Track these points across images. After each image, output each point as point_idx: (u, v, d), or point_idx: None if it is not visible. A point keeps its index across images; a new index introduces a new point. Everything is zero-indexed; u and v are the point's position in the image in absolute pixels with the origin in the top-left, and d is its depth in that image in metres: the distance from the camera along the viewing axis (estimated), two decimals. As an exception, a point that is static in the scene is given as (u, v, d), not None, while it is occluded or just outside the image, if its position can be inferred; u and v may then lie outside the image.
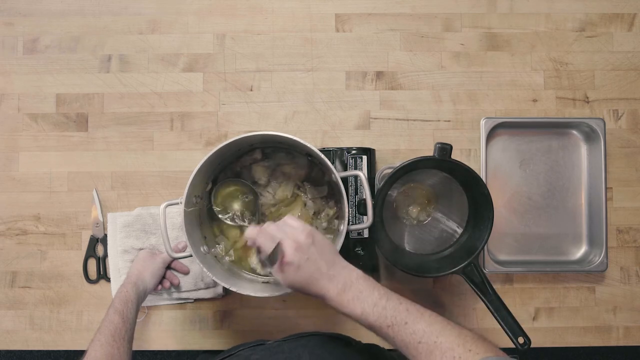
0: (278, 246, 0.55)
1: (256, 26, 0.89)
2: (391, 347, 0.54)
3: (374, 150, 0.83)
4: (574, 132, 0.88)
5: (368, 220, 0.68)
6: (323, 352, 0.62)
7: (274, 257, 0.56)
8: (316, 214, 0.80)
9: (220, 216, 0.78)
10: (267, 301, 0.86)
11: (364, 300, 0.54)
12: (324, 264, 0.56)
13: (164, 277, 0.82)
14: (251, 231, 0.58)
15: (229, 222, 0.78)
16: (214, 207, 0.78)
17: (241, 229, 0.80)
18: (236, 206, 0.78)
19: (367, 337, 0.78)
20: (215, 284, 0.85)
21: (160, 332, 0.86)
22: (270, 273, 0.79)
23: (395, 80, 0.88)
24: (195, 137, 0.88)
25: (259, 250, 0.58)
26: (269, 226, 0.59)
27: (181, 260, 0.84)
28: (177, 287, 0.84)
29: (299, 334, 0.74)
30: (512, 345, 0.71)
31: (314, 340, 0.68)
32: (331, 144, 0.88)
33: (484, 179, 0.81)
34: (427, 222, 0.83)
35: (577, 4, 0.89)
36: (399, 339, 0.52)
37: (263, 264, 0.59)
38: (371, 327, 0.54)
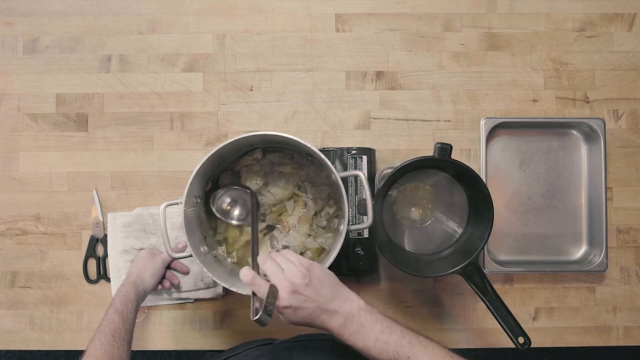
0: (271, 289, 0.54)
1: (256, 26, 0.89)
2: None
3: (374, 150, 0.83)
4: (574, 132, 0.88)
5: (368, 220, 0.68)
6: None
7: (266, 311, 0.53)
8: (317, 213, 0.80)
9: (220, 217, 0.78)
10: (267, 301, 0.86)
11: (366, 334, 0.54)
12: (323, 301, 0.55)
13: (163, 277, 0.82)
14: (245, 274, 0.56)
15: (231, 222, 0.78)
16: (213, 210, 0.77)
17: (240, 229, 0.80)
18: (236, 212, 0.78)
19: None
20: (215, 284, 0.85)
21: (160, 332, 0.86)
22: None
23: (395, 80, 0.88)
24: (195, 137, 0.88)
25: (253, 293, 0.56)
26: (265, 262, 0.57)
27: (181, 260, 0.84)
28: (177, 287, 0.84)
29: (307, 336, 0.73)
30: (512, 345, 0.71)
31: (323, 348, 0.67)
32: (331, 144, 0.88)
33: (484, 179, 0.81)
34: (427, 222, 0.83)
35: (577, 4, 0.89)
36: None
37: (255, 311, 0.54)
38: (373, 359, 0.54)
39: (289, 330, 0.84)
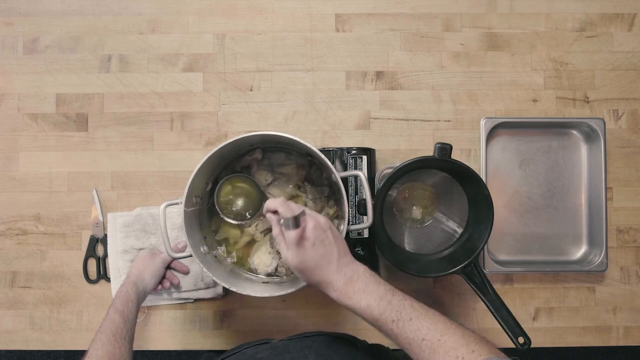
0: (300, 215, 0.55)
1: (256, 26, 0.89)
2: (396, 347, 0.54)
3: (374, 150, 0.83)
4: (574, 132, 0.88)
5: (368, 220, 0.68)
6: (329, 353, 0.62)
7: (295, 222, 0.54)
8: (316, 214, 0.80)
9: (222, 214, 0.77)
10: (267, 301, 0.86)
11: (370, 293, 0.54)
12: (336, 252, 0.56)
13: (164, 277, 0.82)
14: (272, 201, 0.58)
15: (230, 221, 0.77)
16: (216, 204, 0.77)
17: (241, 229, 0.80)
18: (240, 202, 0.77)
19: (369, 337, 0.78)
20: (215, 284, 0.85)
21: (161, 332, 0.86)
22: (275, 270, 0.79)
23: (395, 80, 0.88)
24: (195, 137, 0.88)
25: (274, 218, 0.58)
26: (290, 202, 0.59)
27: (181, 260, 0.84)
28: (177, 287, 0.84)
29: (304, 333, 0.74)
30: (512, 345, 0.71)
31: (320, 341, 0.68)
32: (331, 144, 0.88)
33: (484, 179, 0.81)
34: (427, 222, 0.83)
35: (577, 4, 0.89)
36: (403, 335, 0.51)
37: (274, 237, 0.57)
38: (375, 321, 0.53)
39: (287, 331, 0.84)
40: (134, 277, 0.75)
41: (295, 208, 0.57)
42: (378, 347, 0.74)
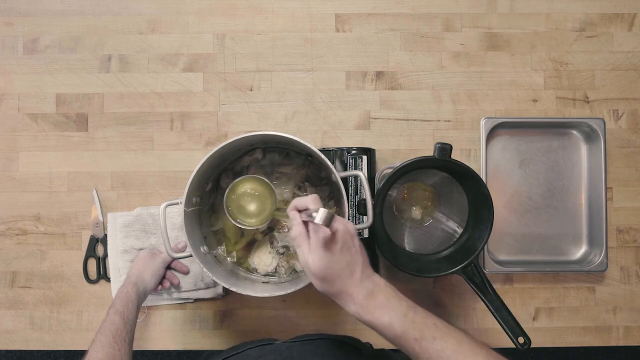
0: (332, 215, 0.51)
1: (256, 26, 0.89)
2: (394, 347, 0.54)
3: (374, 150, 0.83)
4: (574, 132, 0.88)
5: (368, 220, 0.68)
6: None
7: (330, 219, 0.50)
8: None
9: (231, 218, 0.73)
10: (267, 301, 0.86)
11: (392, 309, 0.51)
12: (360, 261, 0.53)
13: (164, 277, 0.82)
14: (303, 198, 0.55)
15: (242, 226, 0.73)
16: (225, 209, 0.73)
17: (242, 230, 0.80)
18: (252, 207, 0.74)
19: (369, 337, 0.78)
20: (215, 284, 0.85)
21: (161, 332, 0.86)
22: (275, 270, 0.79)
23: (395, 80, 0.88)
24: (195, 137, 0.88)
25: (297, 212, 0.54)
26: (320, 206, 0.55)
27: (181, 260, 0.84)
28: (177, 287, 0.84)
29: (306, 336, 0.73)
30: (512, 345, 0.71)
31: (324, 346, 0.67)
32: (331, 144, 0.88)
33: (484, 179, 0.81)
34: (427, 222, 0.83)
35: (577, 4, 0.89)
36: (425, 355, 0.49)
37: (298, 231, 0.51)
38: (396, 339, 0.51)
39: (287, 331, 0.84)
40: (134, 278, 0.75)
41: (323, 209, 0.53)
42: (382, 352, 0.73)
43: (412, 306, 0.52)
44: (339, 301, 0.53)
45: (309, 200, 0.54)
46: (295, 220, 0.54)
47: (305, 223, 0.54)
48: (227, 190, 0.74)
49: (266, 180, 0.74)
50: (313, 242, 0.51)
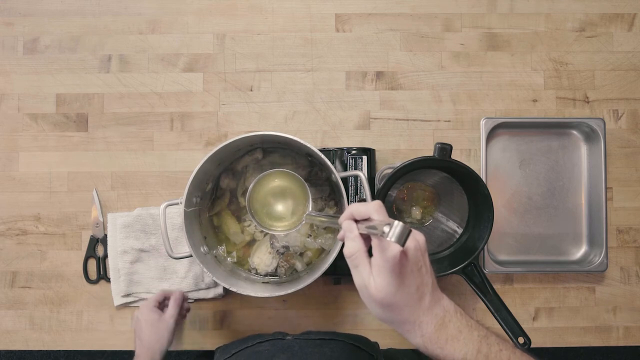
0: (410, 230, 0.40)
1: (256, 26, 0.89)
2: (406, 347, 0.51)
3: (374, 150, 0.83)
4: (574, 132, 0.88)
5: (368, 220, 0.68)
6: None
7: (403, 235, 0.39)
8: (316, 214, 0.80)
9: (255, 220, 0.68)
10: (267, 301, 0.86)
11: (465, 342, 0.44)
12: (430, 283, 0.44)
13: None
14: (362, 205, 0.44)
15: (270, 231, 0.69)
16: (248, 207, 0.67)
17: (242, 230, 0.80)
18: (280, 208, 0.68)
19: (374, 337, 0.78)
20: (215, 284, 0.85)
21: (160, 332, 0.86)
22: (275, 270, 0.79)
23: (395, 80, 0.88)
24: (195, 137, 0.88)
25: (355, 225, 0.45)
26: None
27: (181, 261, 0.84)
28: (179, 288, 0.84)
29: (319, 334, 0.72)
30: (512, 345, 0.71)
31: (338, 350, 0.66)
32: (331, 144, 0.88)
33: (484, 179, 0.81)
34: (427, 222, 0.83)
35: (577, 4, 0.89)
36: None
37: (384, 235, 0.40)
38: None
39: (290, 331, 0.84)
40: (148, 357, 0.68)
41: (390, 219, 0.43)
42: (390, 353, 0.72)
43: (485, 336, 0.45)
44: (402, 331, 0.45)
45: (372, 208, 0.44)
46: (351, 233, 0.44)
47: (364, 236, 0.44)
48: (250, 187, 0.67)
49: (298, 176, 0.65)
50: (379, 264, 0.42)
